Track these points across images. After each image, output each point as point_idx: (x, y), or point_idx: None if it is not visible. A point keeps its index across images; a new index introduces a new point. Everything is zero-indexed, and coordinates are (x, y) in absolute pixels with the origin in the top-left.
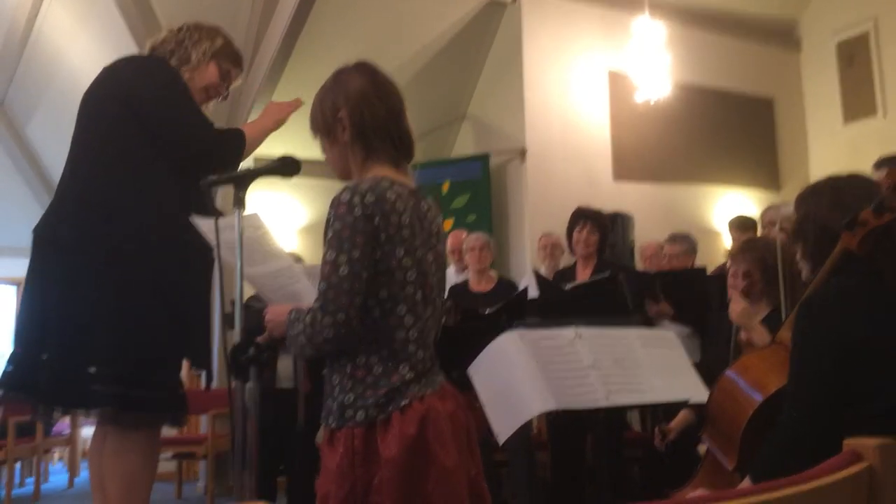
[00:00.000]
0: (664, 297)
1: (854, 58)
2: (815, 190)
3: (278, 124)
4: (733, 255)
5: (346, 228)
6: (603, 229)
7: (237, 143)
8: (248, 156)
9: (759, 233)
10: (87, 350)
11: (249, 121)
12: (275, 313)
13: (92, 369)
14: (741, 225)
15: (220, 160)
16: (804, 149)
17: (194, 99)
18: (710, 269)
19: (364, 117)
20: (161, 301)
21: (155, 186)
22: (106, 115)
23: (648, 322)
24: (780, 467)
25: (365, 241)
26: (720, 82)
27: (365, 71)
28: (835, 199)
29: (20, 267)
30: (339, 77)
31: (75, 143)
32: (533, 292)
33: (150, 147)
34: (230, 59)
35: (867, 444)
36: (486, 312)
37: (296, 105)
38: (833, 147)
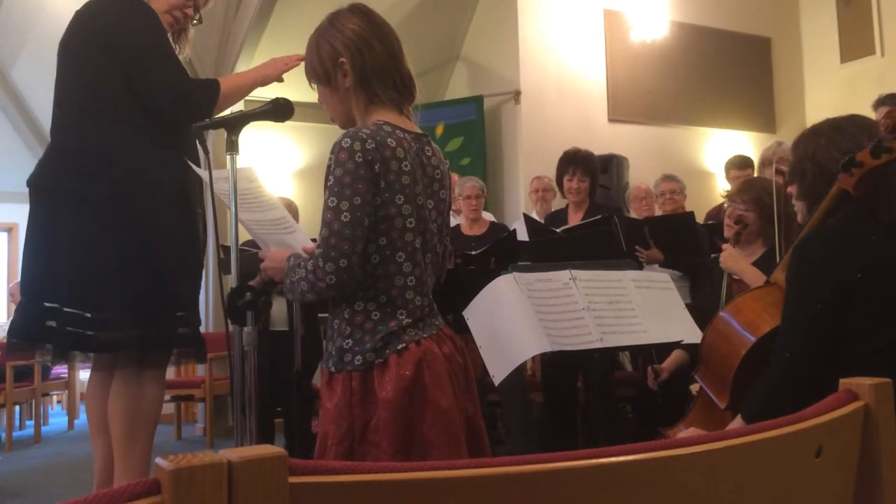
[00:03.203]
0: (654, 243)
1: None
2: (815, 130)
3: (267, 80)
4: (730, 195)
5: (346, 175)
6: (592, 174)
7: (207, 94)
8: (235, 103)
9: (755, 173)
10: (100, 295)
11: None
12: (272, 259)
13: (107, 314)
14: (739, 164)
15: (189, 111)
16: (801, 89)
17: (169, 43)
18: (705, 211)
19: (366, 62)
20: (167, 241)
21: (148, 130)
22: (91, 63)
23: (639, 267)
24: (772, 407)
25: (366, 187)
26: (717, 21)
27: (360, 13)
28: (834, 139)
29: (8, 212)
30: (335, 21)
31: (62, 90)
32: (523, 236)
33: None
34: None
35: (863, 383)
36: (473, 254)
37: (296, 60)
38: (830, 87)
